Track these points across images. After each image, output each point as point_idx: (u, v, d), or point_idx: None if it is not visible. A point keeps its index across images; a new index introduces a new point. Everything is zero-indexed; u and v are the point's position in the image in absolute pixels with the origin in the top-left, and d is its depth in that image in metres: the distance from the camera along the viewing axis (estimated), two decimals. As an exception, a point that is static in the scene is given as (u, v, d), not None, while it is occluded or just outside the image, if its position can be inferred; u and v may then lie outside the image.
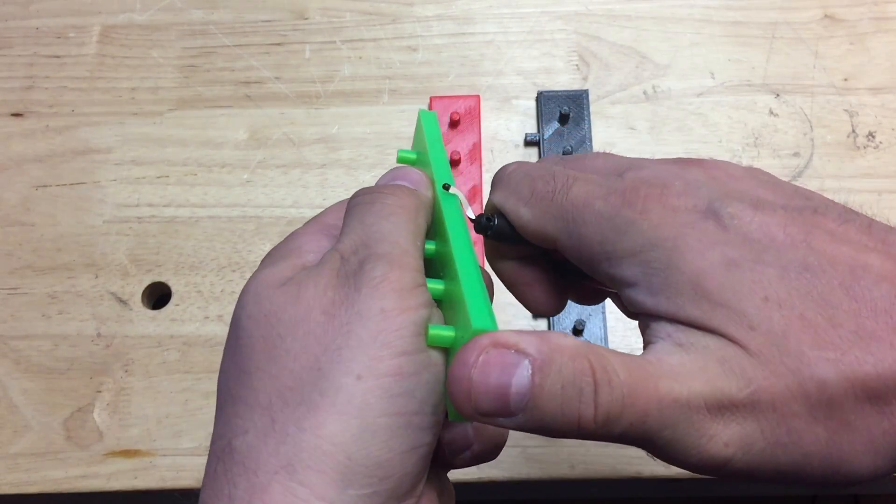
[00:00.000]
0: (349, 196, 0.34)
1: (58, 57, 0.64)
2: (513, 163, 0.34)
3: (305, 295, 0.29)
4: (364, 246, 0.30)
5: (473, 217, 0.33)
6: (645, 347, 0.29)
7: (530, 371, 0.25)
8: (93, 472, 0.52)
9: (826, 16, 0.63)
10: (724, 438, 0.26)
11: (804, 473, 0.27)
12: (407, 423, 0.27)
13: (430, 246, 0.33)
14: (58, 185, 0.60)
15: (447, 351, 0.29)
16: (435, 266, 0.33)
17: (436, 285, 0.31)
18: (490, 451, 0.33)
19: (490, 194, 0.34)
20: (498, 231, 0.33)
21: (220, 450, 0.28)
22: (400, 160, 0.36)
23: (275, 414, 0.27)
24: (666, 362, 0.27)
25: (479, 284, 0.29)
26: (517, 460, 0.52)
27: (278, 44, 0.64)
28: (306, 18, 0.65)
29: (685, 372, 0.27)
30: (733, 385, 0.26)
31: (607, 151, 0.35)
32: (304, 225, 0.35)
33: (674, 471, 0.51)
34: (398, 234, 0.30)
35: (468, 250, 0.31)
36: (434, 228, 0.34)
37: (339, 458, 0.26)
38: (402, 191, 0.33)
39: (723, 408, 0.26)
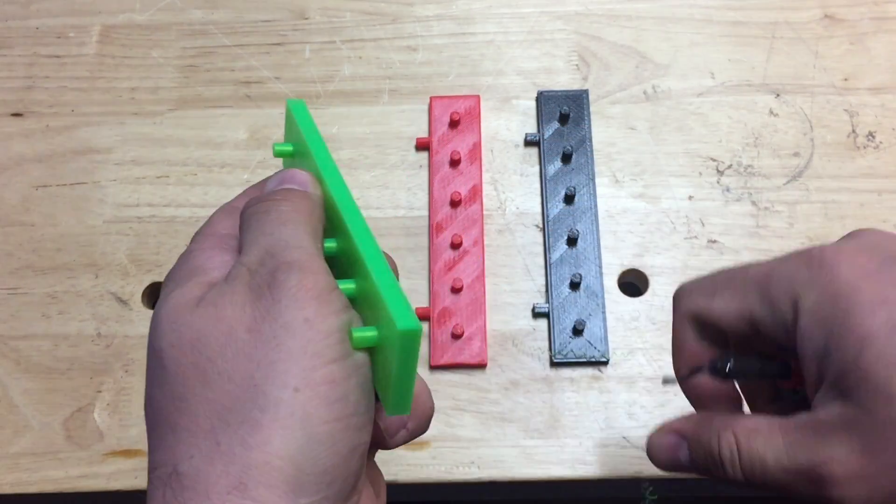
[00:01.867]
0: (235, 199, 0.34)
1: (58, 57, 0.64)
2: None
3: (224, 314, 0.29)
4: (270, 256, 0.30)
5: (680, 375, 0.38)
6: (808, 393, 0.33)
7: (687, 450, 0.36)
8: (93, 472, 0.52)
9: (826, 16, 0.63)
10: (839, 494, 0.31)
11: None
12: (346, 427, 0.28)
13: (331, 244, 0.33)
14: (58, 185, 0.60)
15: (371, 350, 0.30)
16: (340, 264, 0.33)
17: (347, 285, 0.31)
18: (423, 425, 0.35)
19: (675, 313, 0.37)
20: (739, 370, 0.36)
21: (166, 476, 0.28)
22: (277, 153, 0.36)
23: (219, 436, 0.27)
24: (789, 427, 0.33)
25: (391, 279, 0.30)
26: (517, 460, 0.52)
27: (278, 44, 0.64)
28: (306, 18, 0.65)
29: (826, 368, 0.32)
30: (853, 452, 0.30)
31: None
32: (195, 240, 0.34)
33: (674, 471, 0.51)
34: (301, 239, 0.30)
35: (372, 244, 0.31)
36: (330, 225, 0.33)
37: (287, 471, 0.27)
38: (294, 194, 0.32)
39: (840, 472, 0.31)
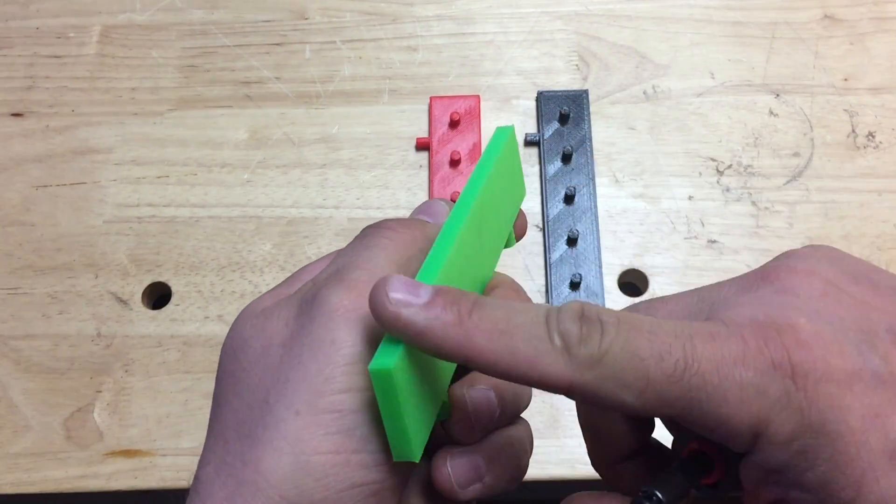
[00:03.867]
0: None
1: (58, 57, 0.64)
2: (589, 322, 0.25)
3: (270, 326, 0.29)
4: (335, 273, 0.29)
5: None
6: None
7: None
8: (93, 472, 0.52)
9: (826, 16, 0.63)
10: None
11: None
12: (345, 462, 0.26)
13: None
14: (58, 185, 0.60)
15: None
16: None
17: None
18: (503, 482, 0.29)
19: (565, 369, 0.25)
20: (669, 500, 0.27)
21: (193, 477, 0.28)
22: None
23: (229, 446, 0.27)
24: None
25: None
26: (517, 460, 0.52)
27: (278, 44, 0.64)
28: (306, 18, 0.65)
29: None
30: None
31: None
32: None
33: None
34: (374, 263, 0.29)
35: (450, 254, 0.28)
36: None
37: (271, 495, 0.26)
38: (407, 224, 0.31)
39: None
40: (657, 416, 0.27)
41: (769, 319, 0.25)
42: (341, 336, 0.27)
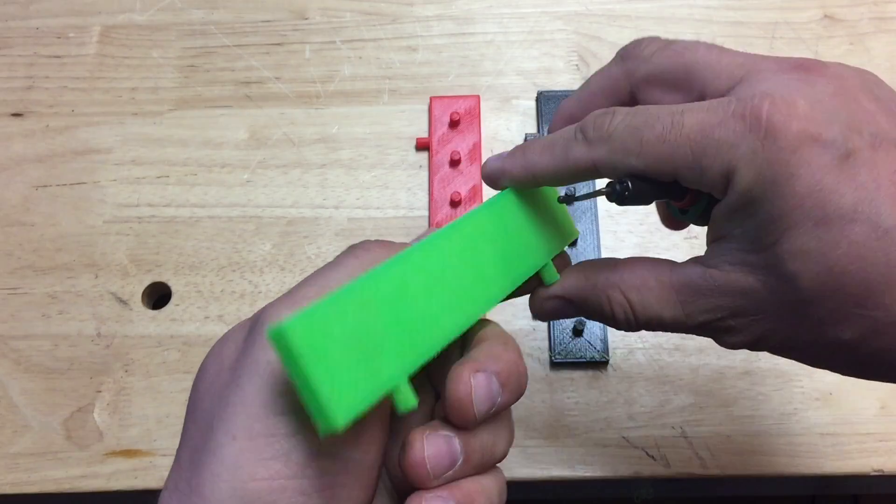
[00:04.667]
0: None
1: (58, 57, 0.64)
2: (600, 114, 0.32)
3: (224, 351, 0.29)
4: (289, 291, 0.29)
5: (605, 187, 0.32)
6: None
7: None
8: (93, 472, 0.52)
9: (826, 16, 0.63)
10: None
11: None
12: (282, 488, 0.26)
13: None
14: (58, 185, 0.60)
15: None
16: None
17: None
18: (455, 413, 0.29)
19: (587, 152, 0.32)
20: (635, 196, 0.32)
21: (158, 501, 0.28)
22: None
23: (182, 472, 0.27)
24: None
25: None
26: (517, 460, 0.52)
27: (278, 44, 0.64)
28: (306, 18, 0.65)
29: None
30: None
31: (695, 42, 0.34)
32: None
33: (673, 471, 0.51)
34: (331, 279, 0.28)
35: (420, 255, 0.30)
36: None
37: None
38: (383, 245, 0.31)
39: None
40: (660, 176, 0.31)
41: (772, 93, 0.29)
42: (274, 356, 0.26)
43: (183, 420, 0.29)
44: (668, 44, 0.34)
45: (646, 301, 0.32)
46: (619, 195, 0.31)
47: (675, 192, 0.33)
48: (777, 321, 0.30)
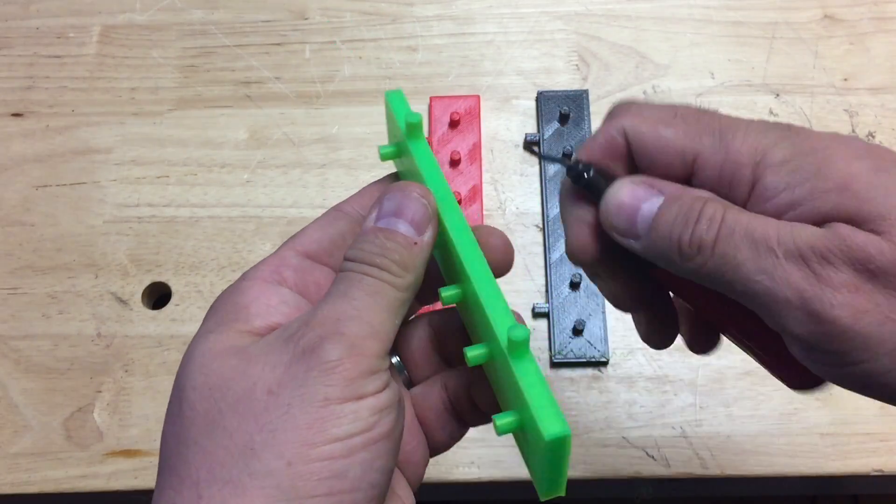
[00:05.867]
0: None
1: (58, 57, 0.64)
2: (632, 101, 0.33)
3: (254, 370, 0.28)
4: (335, 321, 0.29)
5: (570, 163, 0.32)
6: None
7: (660, 202, 0.30)
8: (93, 472, 0.52)
9: (826, 16, 0.63)
10: (832, 299, 0.27)
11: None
12: (338, 502, 0.27)
13: (451, 292, 0.32)
14: (58, 185, 0.60)
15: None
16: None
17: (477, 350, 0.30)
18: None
19: (609, 120, 0.33)
20: (590, 184, 0.32)
21: None
22: (383, 157, 0.35)
23: (202, 490, 0.27)
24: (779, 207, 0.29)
25: (528, 359, 0.29)
26: (517, 460, 0.52)
27: (278, 44, 0.64)
28: (306, 18, 0.65)
29: (793, 216, 0.28)
30: (847, 247, 0.27)
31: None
32: (263, 263, 0.33)
33: (673, 471, 0.51)
34: (375, 315, 0.29)
35: (501, 307, 0.30)
36: (446, 251, 0.32)
37: None
38: (399, 258, 0.30)
39: (825, 260, 0.27)
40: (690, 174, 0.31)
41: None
42: (334, 393, 0.27)
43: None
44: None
45: (743, 229, 0.29)
46: (575, 174, 0.32)
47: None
48: None
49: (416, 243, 0.31)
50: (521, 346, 0.28)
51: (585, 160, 0.32)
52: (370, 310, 0.29)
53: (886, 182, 0.28)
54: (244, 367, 0.29)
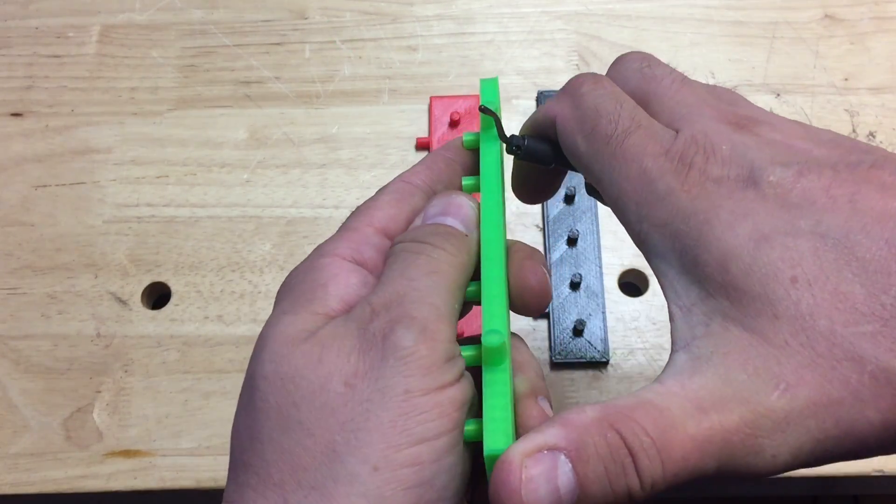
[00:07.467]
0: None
1: (58, 57, 0.64)
2: (588, 78, 0.32)
3: (328, 358, 0.27)
4: (399, 303, 0.27)
5: (507, 137, 0.33)
6: (672, 345, 0.27)
7: (570, 465, 0.24)
8: (92, 473, 0.52)
9: (826, 15, 0.63)
10: (771, 451, 0.24)
11: (862, 454, 0.25)
12: None
13: (471, 288, 0.31)
14: (57, 185, 0.60)
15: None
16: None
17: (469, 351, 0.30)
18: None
19: (552, 102, 0.33)
20: (528, 153, 0.33)
21: None
22: (467, 144, 0.35)
23: (287, 494, 0.26)
24: (689, 391, 0.25)
25: (502, 376, 0.28)
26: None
27: (278, 44, 0.64)
28: (306, 18, 0.65)
29: (711, 399, 0.25)
30: (762, 393, 0.24)
31: (696, 82, 0.32)
32: (339, 235, 0.31)
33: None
34: (438, 296, 0.28)
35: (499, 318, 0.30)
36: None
37: None
38: (453, 241, 0.30)
39: (758, 422, 0.24)
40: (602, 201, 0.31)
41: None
42: (414, 384, 0.26)
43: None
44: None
45: (669, 437, 0.26)
46: (513, 147, 0.33)
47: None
48: None
49: (466, 235, 0.31)
50: (493, 354, 0.27)
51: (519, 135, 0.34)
52: (431, 291, 0.28)
53: (764, 261, 0.25)
54: (319, 354, 0.27)
